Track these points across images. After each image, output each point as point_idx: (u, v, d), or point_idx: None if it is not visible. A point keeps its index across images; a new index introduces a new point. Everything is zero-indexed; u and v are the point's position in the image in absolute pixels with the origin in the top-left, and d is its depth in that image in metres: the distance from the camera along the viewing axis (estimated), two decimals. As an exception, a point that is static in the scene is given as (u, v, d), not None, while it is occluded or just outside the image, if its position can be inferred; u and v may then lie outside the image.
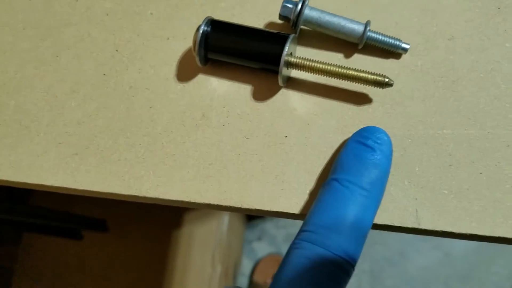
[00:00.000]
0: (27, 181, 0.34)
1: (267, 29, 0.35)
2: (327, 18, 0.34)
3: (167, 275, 1.00)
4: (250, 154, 0.34)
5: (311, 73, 0.33)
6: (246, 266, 1.35)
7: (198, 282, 1.01)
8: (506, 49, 0.35)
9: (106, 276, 1.01)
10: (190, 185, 0.33)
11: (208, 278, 1.02)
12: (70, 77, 0.37)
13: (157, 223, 1.00)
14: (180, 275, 1.00)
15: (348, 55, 0.36)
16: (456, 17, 0.36)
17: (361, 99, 0.34)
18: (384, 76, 0.32)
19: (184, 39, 0.37)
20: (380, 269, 1.22)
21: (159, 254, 1.00)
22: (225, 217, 1.07)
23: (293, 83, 0.35)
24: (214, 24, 0.34)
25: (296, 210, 0.32)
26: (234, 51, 0.34)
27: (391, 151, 0.30)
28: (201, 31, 0.33)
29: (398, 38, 0.34)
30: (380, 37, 0.34)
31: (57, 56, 0.38)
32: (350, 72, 0.32)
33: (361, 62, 0.35)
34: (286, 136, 0.34)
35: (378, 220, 0.31)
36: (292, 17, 0.34)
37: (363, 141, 0.30)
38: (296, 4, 0.34)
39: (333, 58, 0.36)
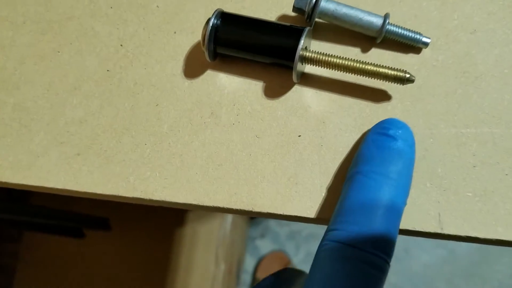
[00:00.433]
0: (26, 183, 0.32)
1: (280, 22, 0.33)
2: (344, 10, 0.32)
3: (170, 273, 0.98)
4: (262, 154, 0.32)
5: (327, 68, 0.31)
6: (249, 263, 1.34)
7: (201, 280, 1.00)
8: (532, 43, 0.33)
9: (109, 274, 1.00)
10: (198, 187, 0.31)
11: (212, 276, 1.01)
12: (72, 73, 0.35)
13: (160, 221, 0.98)
14: (184, 273, 0.98)
15: (365, 50, 0.34)
16: (479, 9, 0.34)
17: (380, 96, 0.33)
18: (405, 72, 0.30)
19: (192, 33, 0.35)
20: (384, 267, 1.21)
21: (162, 253, 0.98)
22: (229, 215, 1.05)
23: (307, 79, 0.34)
24: (224, 17, 0.32)
25: (310, 214, 0.30)
26: (245, 45, 0.32)
27: (413, 141, 0.29)
28: (211, 24, 0.31)
29: (418, 31, 0.32)
30: (400, 30, 0.32)
31: (59, 52, 0.36)
32: (369, 67, 0.31)
33: (379, 57, 0.33)
34: (300, 135, 0.32)
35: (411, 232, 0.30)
36: (307, 9, 0.32)
37: (384, 132, 0.28)
38: (311, -4, 0.32)
39: (349, 53, 0.34)
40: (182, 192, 0.31)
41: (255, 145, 0.32)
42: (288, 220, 0.31)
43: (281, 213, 0.31)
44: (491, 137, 0.31)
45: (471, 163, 0.31)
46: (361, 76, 0.31)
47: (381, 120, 0.32)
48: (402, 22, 0.34)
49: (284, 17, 0.35)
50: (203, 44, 0.32)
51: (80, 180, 0.32)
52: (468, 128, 0.31)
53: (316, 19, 0.34)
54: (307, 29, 0.31)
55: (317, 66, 0.32)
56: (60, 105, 0.34)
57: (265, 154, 0.32)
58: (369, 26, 0.32)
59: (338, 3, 0.32)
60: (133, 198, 0.32)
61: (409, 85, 0.32)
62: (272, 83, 0.34)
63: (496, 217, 0.30)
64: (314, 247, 1.23)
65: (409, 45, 0.33)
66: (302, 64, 0.32)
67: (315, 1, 0.32)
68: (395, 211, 0.26)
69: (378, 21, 0.32)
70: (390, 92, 0.32)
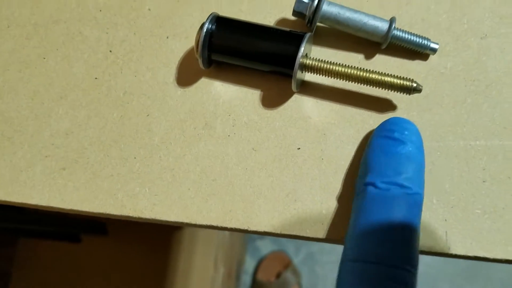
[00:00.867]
0: (9, 199, 0.30)
1: (279, 27, 0.31)
2: (347, 14, 0.30)
3: (168, 278, 0.97)
4: (259, 168, 0.30)
5: (329, 77, 0.29)
6: (250, 264, 1.32)
7: (200, 285, 0.98)
8: (547, 49, 0.31)
9: (106, 279, 0.98)
10: (191, 204, 0.29)
11: (211, 280, 0.99)
12: (58, 81, 0.33)
13: (158, 225, 0.96)
14: (182, 278, 0.97)
15: (369, 56, 0.32)
16: (490, 13, 0.32)
17: (384, 106, 0.31)
18: (412, 81, 0.28)
19: (185, 38, 0.33)
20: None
21: (161, 257, 0.96)
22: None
23: (307, 88, 0.32)
24: (220, 22, 0.30)
25: (310, 232, 0.29)
26: (241, 52, 0.30)
27: (421, 141, 0.27)
28: (205, 30, 0.29)
29: (426, 36, 0.30)
30: (407, 35, 0.30)
31: (44, 58, 0.34)
32: (373, 76, 0.29)
33: (384, 64, 0.31)
34: (299, 148, 0.30)
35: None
36: (307, 13, 0.30)
37: (389, 135, 0.27)
38: (311, -1, 0.30)
39: (352, 59, 0.32)
40: (173, 209, 0.30)
41: (252, 159, 0.30)
42: (287, 238, 0.29)
43: (279, 232, 0.29)
44: (502, 150, 0.29)
45: (481, 178, 0.29)
46: (365, 85, 0.29)
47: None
48: (408, 27, 0.32)
49: (283, 21, 0.33)
50: (197, 51, 0.30)
51: (66, 196, 0.30)
52: (478, 140, 0.29)
53: (318, 24, 0.32)
54: (307, 35, 0.29)
55: (318, 74, 0.30)
56: (45, 115, 0.32)
57: (262, 168, 0.30)
58: (374, 31, 0.30)
59: (341, 7, 0.30)
60: (121, 216, 0.30)
61: (415, 94, 0.30)
62: (270, 92, 0.32)
63: (507, 235, 0.28)
64: (314, 247, 1.22)
65: (416, 51, 0.31)
66: (302, 72, 0.30)
67: (317, 5, 0.30)
68: (414, 222, 0.25)
69: (383, 26, 0.30)
70: (395, 102, 0.30)
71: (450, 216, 0.28)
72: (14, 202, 0.30)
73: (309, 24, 0.31)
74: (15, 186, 0.31)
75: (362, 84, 0.29)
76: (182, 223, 0.30)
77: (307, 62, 0.29)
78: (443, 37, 0.32)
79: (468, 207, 0.28)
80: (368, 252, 0.24)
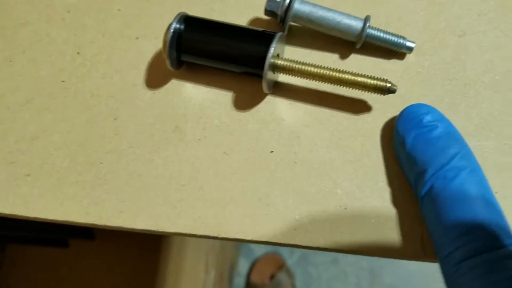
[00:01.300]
0: (-31, 208, 0.29)
1: (250, 27, 0.30)
2: (320, 13, 0.29)
3: (158, 282, 0.95)
4: (230, 172, 0.29)
5: (301, 77, 0.28)
6: (243, 266, 1.31)
7: (191, 289, 0.97)
8: (526, 46, 0.30)
9: (95, 284, 0.97)
10: (159, 211, 0.28)
11: (202, 284, 0.98)
12: (24, 85, 0.32)
13: (146, 229, 0.95)
14: (172, 282, 0.95)
15: (344, 56, 0.31)
16: (468, 10, 0.31)
17: (359, 107, 0.30)
18: (386, 81, 0.27)
19: (155, 38, 0.32)
20: (379, 266, 1.19)
21: (150, 261, 0.95)
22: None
23: (280, 89, 0.30)
24: (188, 21, 0.29)
25: (282, 238, 0.28)
26: (211, 52, 0.29)
27: (443, 115, 0.27)
28: (172, 30, 0.28)
29: (402, 35, 0.30)
30: (382, 34, 0.29)
31: (11, 61, 0.33)
32: (347, 76, 0.28)
33: (359, 64, 0.30)
34: (272, 151, 0.29)
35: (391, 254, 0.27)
36: (279, 12, 0.29)
37: (420, 125, 0.26)
38: (283, -3, 0.29)
39: (327, 59, 0.31)
40: (140, 216, 0.28)
41: (223, 163, 0.29)
42: (258, 244, 0.28)
43: (250, 238, 0.28)
44: (480, 151, 0.28)
45: (460, 180, 0.28)
46: (338, 85, 0.28)
47: (360, 133, 0.29)
48: (385, 25, 0.31)
49: (257, 20, 0.32)
50: (164, 52, 0.29)
51: (30, 204, 0.29)
52: (457, 142, 0.28)
53: (291, 23, 0.31)
54: (278, 34, 0.28)
55: (290, 75, 0.29)
56: (10, 120, 0.31)
57: (233, 172, 0.29)
58: (348, 30, 0.29)
59: (314, 5, 0.29)
60: (87, 224, 0.29)
61: (391, 95, 0.29)
62: (243, 94, 0.31)
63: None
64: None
65: (392, 50, 0.30)
66: (274, 73, 0.29)
67: (289, 4, 0.29)
68: (489, 192, 0.24)
69: (357, 25, 0.29)
70: (370, 103, 0.29)
71: (427, 220, 0.27)
72: (-24, 211, 0.29)
73: (281, 24, 0.30)
74: (-24, 194, 0.30)
75: (335, 85, 0.28)
76: (149, 230, 0.28)
77: (278, 62, 0.28)
78: (420, 35, 0.31)
79: (446, 211, 0.27)
80: (472, 245, 0.23)
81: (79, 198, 0.29)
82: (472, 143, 0.28)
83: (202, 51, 0.29)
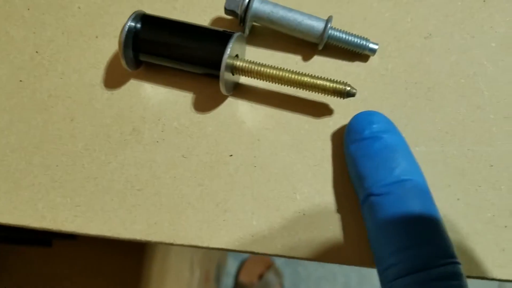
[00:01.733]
0: None
1: (209, 27, 0.29)
2: (280, 13, 0.28)
3: (143, 282, 0.95)
4: (188, 177, 0.28)
5: (260, 79, 0.28)
6: (232, 266, 1.31)
7: (176, 288, 0.96)
8: (492, 49, 0.29)
9: (79, 284, 0.96)
10: (114, 215, 0.28)
11: (187, 284, 0.98)
12: (-20, 83, 0.31)
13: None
14: (157, 282, 0.95)
15: (306, 57, 0.30)
16: (435, 11, 0.30)
17: (320, 110, 0.29)
18: (345, 84, 0.26)
19: (115, 37, 0.31)
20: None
21: (134, 261, 0.94)
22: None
23: (241, 91, 0.30)
24: (145, 20, 0.28)
25: (239, 245, 0.27)
26: (168, 52, 0.28)
27: (392, 124, 0.26)
28: (126, 28, 0.27)
29: (365, 37, 0.29)
30: (344, 36, 0.28)
31: (-33, 58, 0.32)
32: (306, 79, 0.27)
33: (322, 66, 0.30)
34: (231, 155, 0.28)
35: (349, 261, 0.26)
36: (239, 11, 0.28)
37: (359, 137, 0.25)
38: (243, -4, 0.28)
39: (290, 61, 0.30)
40: (95, 221, 0.28)
41: (181, 166, 0.28)
42: (215, 250, 0.28)
43: (206, 245, 0.27)
44: (443, 156, 0.27)
45: (421, 186, 0.27)
46: (297, 88, 0.27)
47: (321, 138, 0.28)
48: (349, 26, 0.30)
49: (219, 20, 0.31)
50: (120, 51, 0.28)
51: (-20, 207, 0.28)
52: (417, 146, 0.28)
53: (255, 23, 0.30)
54: (236, 34, 0.27)
55: (249, 77, 0.28)
56: (-36, 120, 0.30)
57: (191, 176, 0.28)
58: (309, 31, 0.28)
59: (275, 5, 0.29)
60: (41, 228, 0.28)
61: (353, 98, 0.28)
62: (203, 95, 0.30)
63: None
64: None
65: (355, 52, 0.29)
66: (232, 75, 0.28)
67: (248, 3, 0.28)
68: (432, 209, 0.23)
69: (319, 26, 0.28)
70: (332, 106, 0.29)
71: (388, 227, 0.27)
72: None
73: (241, 24, 0.29)
74: None
75: (295, 87, 0.27)
76: (104, 236, 0.28)
77: (236, 63, 0.27)
78: (385, 36, 0.30)
79: (407, 217, 0.27)
80: (405, 264, 0.22)
81: (34, 201, 0.29)
82: (435, 148, 0.28)
83: (159, 51, 0.28)
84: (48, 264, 0.92)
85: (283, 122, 0.29)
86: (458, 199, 0.26)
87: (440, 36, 0.30)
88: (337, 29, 0.28)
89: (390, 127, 0.25)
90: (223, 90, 0.28)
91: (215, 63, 0.27)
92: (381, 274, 0.23)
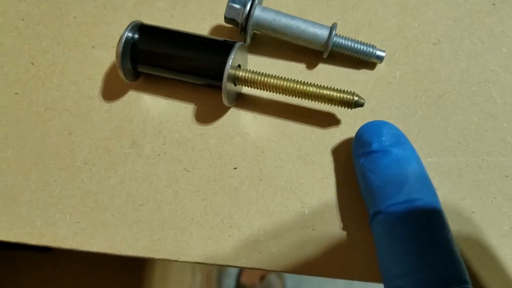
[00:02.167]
0: None
1: (209, 36, 0.28)
2: (283, 21, 0.27)
3: (145, 285, 0.94)
4: (191, 191, 0.27)
5: (264, 90, 0.27)
6: (233, 267, 1.30)
7: (178, 292, 0.95)
8: (503, 54, 0.28)
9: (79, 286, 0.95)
10: (115, 232, 0.27)
11: (188, 287, 0.97)
12: (-26, 96, 0.30)
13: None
14: (159, 284, 0.94)
15: (311, 66, 0.29)
16: (443, 15, 0.29)
17: (327, 120, 0.28)
18: (353, 94, 0.26)
19: (112, 47, 0.30)
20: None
21: (136, 263, 0.94)
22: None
23: (244, 101, 0.29)
24: (143, 30, 0.27)
25: (246, 262, 0.26)
26: (168, 63, 0.27)
27: (402, 135, 0.24)
28: (124, 39, 0.26)
29: (372, 44, 0.28)
30: (349, 43, 0.27)
31: (-39, 71, 0.31)
32: (312, 89, 0.26)
33: (328, 74, 0.29)
34: (235, 168, 0.27)
35: (361, 277, 0.25)
36: (240, 20, 0.27)
37: (368, 150, 0.24)
38: (244, 4, 0.27)
39: (294, 69, 0.29)
40: (95, 238, 0.27)
41: (184, 180, 0.27)
42: (221, 266, 0.27)
43: (212, 262, 0.26)
44: (456, 167, 0.26)
45: (433, 199, 0.26)
46: (303, 99, 0.26)
47: (328, 149, 0.27)
48: (354, 32, 0.29)
49: (219, 28, 0.30)
50: (117, 63, 0.27)
51: (-24, 226, 0.27)
52: (430, 157, 0.27)
53: (256, 31, 0.29)
54: (237, 44, 0.26)
55: (252, 88, 0.27)
56: (-42, 135, 0.29)
57: (194, 191, 0.27)
58: (313, 39, 0.27)
59: (278, 13, 0.28)
60: (41, 245, 0.27)
61: (360, 107, 0.27)
62: (205, 106, 0.29)
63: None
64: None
65: (361, 59, 0.28)
66: (235, 85, 0.27)
67: (249, 11, 0.27)
68: (444, 232, 0.22)
69: (323, 33, 0.27)
70: (339, 116, 0.28)
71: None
72: None
73: (242, 32, 0.28)
74: None
75: (300, 98, 0.26)
76: (105, 253, 0.27)
77: (239, 74, 0.26)
78: (392, 43, 0.29)
79: (418, 230, 0.26)
80: (423, 283, 0.21)
81: (33, 218, 0.28)
82: (448, 159, 0.27)
83: (158, 62, 0.27)
84: (49, 268, 0.91)
85: (288, 133, 0.28)
86: (473, 212, 0.26)
87: (449, 41, 0.29)
88: (342, 36, 0.28)
89: (401, 140, 0.24)
90: (225, 101, 0.27)
91: (217, 74, 0.26)
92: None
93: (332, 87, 0.26)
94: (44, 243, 0.27)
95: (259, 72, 0.26)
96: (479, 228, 0.25)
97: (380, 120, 0.25)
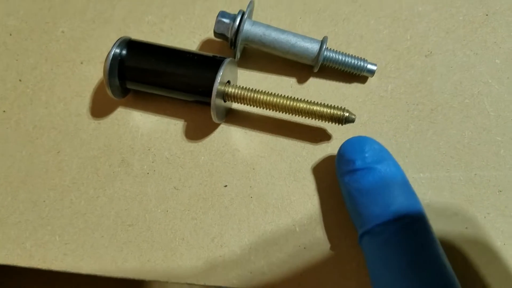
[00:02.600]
0: None
1: (198, 52, 0.28)
2: (273, 35, 0.27)
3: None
4: (181, 210, 0.27)
5: (254, 106, 0.26)
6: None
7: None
8: (496, 66, 0.28)
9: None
10: (105, 253, 0.26)
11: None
12: (-39, 115, 0.30)
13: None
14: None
15: (302, 80, 0.29)
16: (435, 27, 0.29)
17: (318, 136, 0.27)
18: (344, 110, 0.25)
19: (100, 63, 0.30)
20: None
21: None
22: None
23: (234, 117, 0.28)
24: (131, 46, 0.27)
25: (237, 283, 0.26)
26: (156, 80, 0.27)
27: (386, 151, 0.23)
28: (111, 56, 0.26)
29: (363, 57, 0.27)
30: (340, 57, 0.27)
31: None
32: (302, 105, 0.25)
33: (319, 88, 0.28)
34: (226, 186, 0.27)
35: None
36: (229, 35, 0.27)
37: (351, 168, 0.23)
38: (233, 19, 0.27)
39: (284, 84, 0.29)
40: (85, 259, 0.26)
41: (173, 199, 0.27)
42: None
43: (203, 283, 0.26)
44: (449, 182, 0.26)
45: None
46: (293, 115, 0.26)
47: (320, 165, 0.27)
48: (345, 45, 0.29)
49: (208, 42, 0.30)
50: (105, 80, 0.26)
51: (-36, 249, 0.27)
52: (422, 172, 0.26)
53: (246, 45, 0.29)
54: (227, 60, 0.26)
55: (242, 104, 0.26)
56: None
57: (184, 209, 0.27)
58: (303, 53, 0.27)
59: (267, 27, 0.27)
60: (31, 268, 0.27)
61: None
62: (194, 123, 0.28)
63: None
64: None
65: (352, 73, 0.28)
66: (224, 102, 0.27)
67: (238, 25, 0.26)
68: (428, 248, 0.21)
69: (313, 47, 0.27)
70: (330, 131, 0.27)
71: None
72: None
73: (232, 47, 0.27)
74: None
75: (290, 114, 0.26)
76: (95, 275, 0.26)
77: (228, 90, 0.26)
78: (384, 55, 0.29)
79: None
80: None
81: (22, 239, 0.27)
82: (441, 174, 0.26)
83: (147, 79, 0.27)
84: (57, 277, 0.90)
85: (279, 149, 0.27)
86: (466, 228, 0.25)
87: (441, 53, 0.28)
88: (333, 50, 0.27)
89: (384, 156, 0.23)
90: (214, 118, 0.26)
91: (206, 91, 0.26)
92: None
93: (322, 103, 0.25)
94: (33, 265, 0.27)
95: (249, 88, 0.26)
96: (472, 244, 0.25)
97: (361, 136, 0.24)
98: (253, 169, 0.27)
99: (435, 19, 0.29)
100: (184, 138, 0.28)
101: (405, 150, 0.27)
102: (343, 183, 0.24)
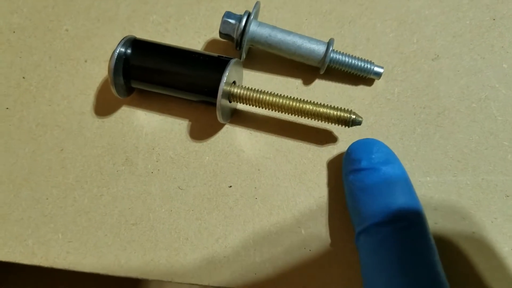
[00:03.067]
0: None
1: (204, 52, 0.28)
2: (279, 36, 0.27)
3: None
4: (185, 210, 0.27)
5: (259, 107, 0.26)
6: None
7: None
8: (504, 71, 0.28)
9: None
10: (108, 252, 0.26)
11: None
12: (-36, 111, 0.30)
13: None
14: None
15: (308, 81, 0.28)
16: (442, 31, 0.29)
17: (324, 138, 0.27)
18: (350, 112, 0.25)
19: (105, 61, 0.30)
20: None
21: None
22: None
23: (240, 118, 0.28)
24: (136, 45, 0.27)
25: (243, 284, 0.25)
26: (161, 79, 0.27)
27: (392, 154, 0.23)
28: (116, 55, 0.26)
29: (369, 60, 0.27)
30: (347, 59, 0.27)
31: (-49, 84, 0.30)
32: (308, 107, 0.25)
33: (325, 90, 0.28)
34: (230, 186, 0.27)
35: None
36: (235, 35, 0.27)
37: (357, 167, 0.23)
38: (239, 19, 0.26)
39: (290, 85, 0.29)
40: (88, 258, 0.26)
41: (178, 199, 0.27)
42: (216, 289, 0.26)
43: (207, 284, 0.25)
44: (456, 187, 0.26)
45: (432, 219, 0.26)
46: (299, 116, 0.26)
47: (325, 166, 0.27)
48: (351, 47, 0.29)
49: (214, 42, 0.30)
50: (109, 79, 0.26)
51: (-34, 246, 0.27)
52: (429, 176, 0.26)
53: (251, 46, 0.28)
54: (232, 61, 0.26)
55: (247, 105, 0.26)
56: None
57: (189, 209, 0.27)
58: (309, 54, 0.27)
59: (273, 28, 0.27)
60: (32, 265, 0.27)
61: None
62: (199, 123, 0.28)
63: (461, 284, 0.25)
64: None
65: (358, 75, 0.28)
66: (230, 102, 0.27)
67: (244, 26, 0.26)
68: (424, 252, 0.21)
69: (320, 49, 0.27)
70: (336, 133, 0.27)
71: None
72: None
73: (238, 48, 0.27)
74: None
75: (296, 116, 0.26)
76: (98, 274, 0.26)
77: (234, 91, 0.26)
78: (390, 58, 0.28)
79: (417, 251, 0.25)
80: None
81: (24, 237, 0.27)
82: (447, 178, 0.26)
83: (151, 78, 0.27)
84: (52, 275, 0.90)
85: (284, 151, 0.27)
86: (473, 233, 0.25)
87: (448, 57, 0.28)
88: (339, 52, 0.27)
89: (390, 158, 0.23)
90: (220, 118, 0.26)
91: (211, 91, 0.25)
92: None
93: (329, 105, 0.25)
94: (36, 263, 0.27)
95: (254, 89, 0.26)
96: (479, 250, 0.25)
97: (371, 138, 0.24)
98: (258, 170, 0.27)
99: (442, 23, 0.29)
100: (189, 138, 0.28)
101: (412, 154, 0.26)
102: (348, 181, 0.24)
